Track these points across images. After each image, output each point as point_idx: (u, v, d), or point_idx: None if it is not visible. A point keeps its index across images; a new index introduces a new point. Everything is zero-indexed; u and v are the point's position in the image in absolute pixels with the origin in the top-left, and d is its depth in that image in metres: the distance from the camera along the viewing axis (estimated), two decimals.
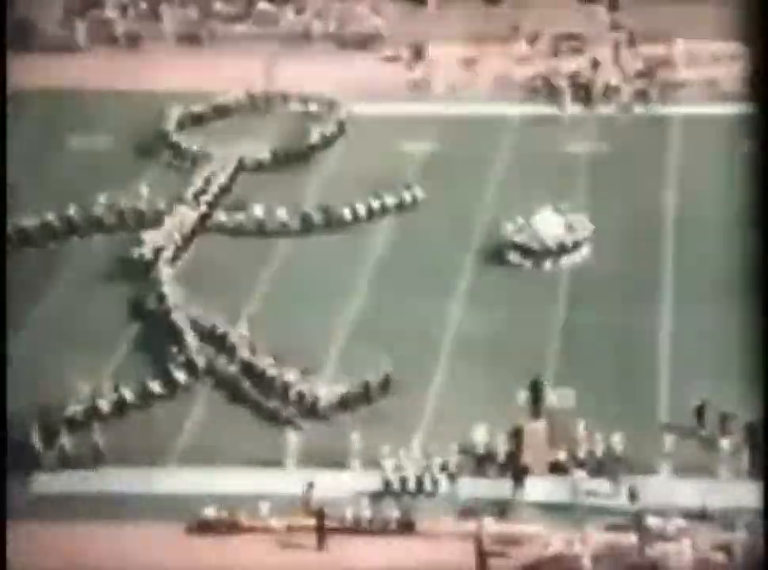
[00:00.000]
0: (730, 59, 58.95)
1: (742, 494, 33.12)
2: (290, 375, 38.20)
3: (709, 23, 61.31)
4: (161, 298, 42.69)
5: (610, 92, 57.11)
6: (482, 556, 31.46)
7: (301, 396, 37.62)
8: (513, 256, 45.28)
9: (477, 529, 32.30)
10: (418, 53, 61.21)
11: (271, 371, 38.52)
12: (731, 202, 47.59)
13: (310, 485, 33.65)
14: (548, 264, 45.06)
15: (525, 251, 45.17)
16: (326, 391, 37.55)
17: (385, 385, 37.94)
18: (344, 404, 37.33)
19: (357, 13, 65.24)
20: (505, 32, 62.09)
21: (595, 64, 59.19)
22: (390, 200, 48.97)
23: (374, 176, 50.74)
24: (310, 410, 37.20)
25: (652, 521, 31.99)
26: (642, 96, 56.87)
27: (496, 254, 45.71)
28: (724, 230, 46.25)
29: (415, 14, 65.48)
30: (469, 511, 33.36)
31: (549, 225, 45.67)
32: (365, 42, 62.93)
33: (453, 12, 65.35)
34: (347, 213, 48.23)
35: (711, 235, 46.10)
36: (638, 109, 56.19)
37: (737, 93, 56.69)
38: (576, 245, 45.40)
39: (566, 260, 45.12)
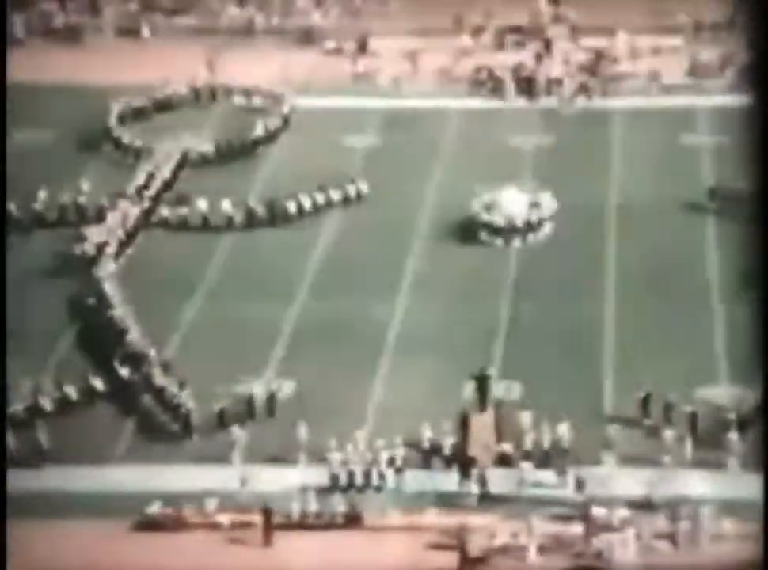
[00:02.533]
0: (671, 52, 59.53)
1: (686, 483, 33.45)
2: (173, 387, 37.01)
3: (651, 16, 61.87)
4: (104, 294, 42.29)
5: (553, 85, 57.37)
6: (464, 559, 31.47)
7: (177, 408, 36.59)
8: (482, 235, 45.87)
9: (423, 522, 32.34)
10: (362, 46, 61.17)
11: (160, 380, 37.47)
12: (673, 193, 48.19)
13: (253, 481, 33.47)
14: (517, 242, 45.70)
15: (493, 229, 45.63)
16: (200, 406, 36.25)
17: (271, 402, 36.93)
18: (222, 420, 36.17)
19: (300, 7, 65.07)
20: (449, 26, 62.20)
21: (538, 57, 59.45)
22: (335, 194, 48.85)
23: (319, 169, 50.64)
24: (185, 424, 36.11)
25: (598, 511, 32.14)
26: (585, 89, 57.16)
27: (443, 243, 45.79)
28: (666, 221, 46.70)
29: (358, 7, 65.41)
30: (416, 503, 33.33)
31: (514, 203, 46.18)
32: (308, 35, 62.80)
33: (396, 5, 65.38)
34: (292, 207, 48.06)
35: (653, 226, 46.46)
36: (581, 102, 56.47)
37: (678, 86, 57.28)
38: (542, 222, 45.99)
39: (532, 238, 45.67)
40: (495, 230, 46.10)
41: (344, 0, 65.82)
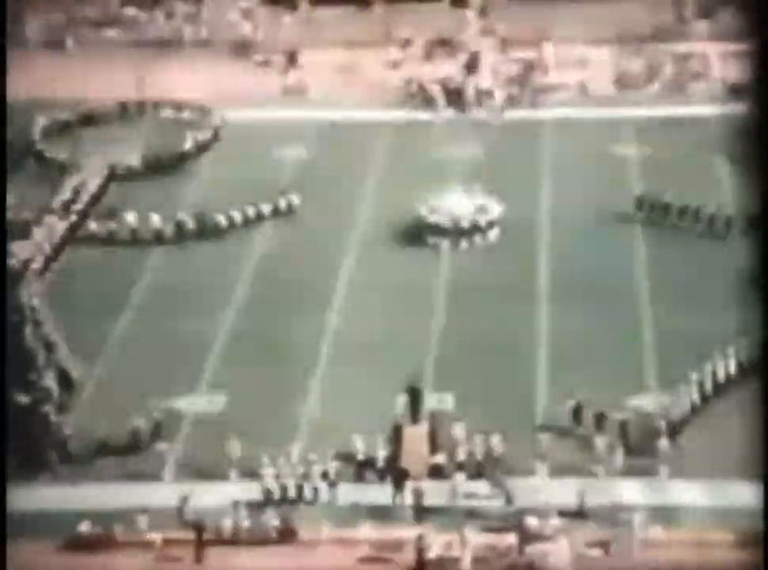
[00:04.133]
0: (599, 63, 60.10)
1: (617, 491, 33.63)
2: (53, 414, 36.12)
3: (578, 27, 62.41)
4: (31, 309, 41.70)
5: (482, 96, 57.64)
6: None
7: (54, 434, 35.63)
8: (428, 238, 46.28)
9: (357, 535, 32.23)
10: (291, 59, 61.10)
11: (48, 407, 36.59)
12: (601, 202, 48.56)
13: (185, 498, 33.16)
14: (464, 244, 46.15)
15: (439, 231, 46.05)
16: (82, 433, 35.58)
17: (157, 431, 36.18)
18: (102, 450, 35.44)
19: (229, 19, 64.82)
20: (378, 38, 62.31)
21: (467, 69, 59.71)
22: (266, 207, 48.68)
23: (250, 182, 50.46)
24: (63, 451, 35.28)
25: (531, 521, 32.23)
26: (514, 100, 57.50)
27: (375, 254, 45.85)
28: (595, 230, 47.04)
29: (287, 20, 65.31)
30: (350, 516, 33.21)
31: (460, 205, 46.74)
32: (237, 48, 62.56)
33: (325, 18, 65.37)
34: (222, 220, 47.81)
35: (583, 236, 46.78)
36: (510, 113, 56.78)
37: (606, 97, 57.82)
38: (490, 225, 46.48)
39: (480, 240, 46.18)
40: (441, 233, 46.40)
41: (274, 13, 65.71)
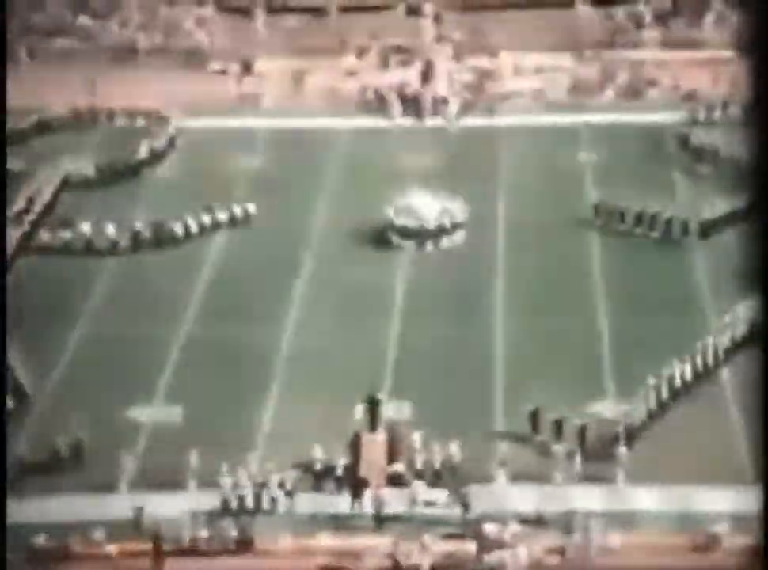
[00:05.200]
0: (554, 70, 60.34)
1: (576, 497, 33.66)
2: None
3: (534, 35, 62.64)
4: None
5: (438, 104, 57.69)
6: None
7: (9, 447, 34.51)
8: (396, 239, 46.42)
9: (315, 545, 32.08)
10: (246, 67, 60.93)
11: None
12: (558, 209, 48.70)
13: (140, 509, 32.87)
14: (429, 246, 46.37)
15: (406, 233, 46.40)
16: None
17: (77, 450, 35.42)
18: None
19: (183, 27, 64.54)
20: (333, 46, 62.26)
21: (423, 77, 59.77)
22: (222, 215, 48.44)
23: (206, 190, 50.23)
24: (17, 464, 33.94)
25: (489, 528, 32.19)
26: (470, 107, 57.60)
27: (333, 262, 45.74)
28: (552, 237, 47.16)
29: (242, 28, 65.13)
30: (308, 526, 33.04)
31: (427, 207, 46.96)
32: (192, 56, 62.31)
33: (281, 25, 65.25)
34: (178, 229, 47.54)
35: (540, 242, 46.88)
36: (467, 121, 56.87)
37: (561, 104, 58.06)
38: (455, 227, 46.76)
39: (446, 242, 46.53)
40: (406, 235, 46.67)
41: (229, 21, 65.52)
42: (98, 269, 45.74)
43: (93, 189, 50.74)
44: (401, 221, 47.05)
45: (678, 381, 37.46)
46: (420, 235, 46.82)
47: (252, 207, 49.08)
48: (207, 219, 48.15)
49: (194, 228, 47.80)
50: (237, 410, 37.52)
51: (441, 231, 47.06)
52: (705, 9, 64.41)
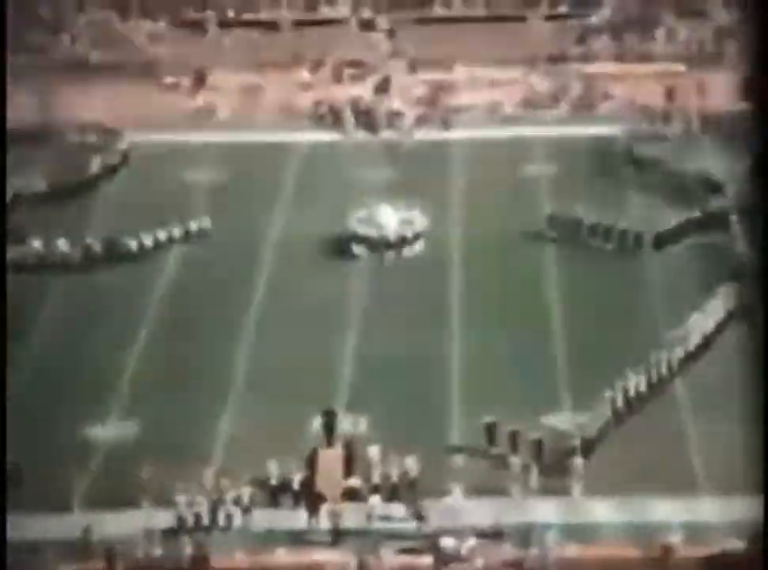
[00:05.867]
0: (508, 83, 60.58)
1: (532, 510, 33.68)
2: None
3: (487, 48, 62.89)
4: None
5: (393, 118, 57.75)
6: None
7: None
8: (357, 249, 46.74)
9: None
10: (200, 81, 60.73)
11: None
12: (513, 222, 48.84)
13: (88, 528, 32.53)
14: (390, 256, 46.74)
15: (367, 243, 46.74)
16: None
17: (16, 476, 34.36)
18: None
19: (136, 41, 64.25)
20: (287, 59, 62.20)
21: (378, 90, 59.82)
22: (177, 230, 48.21)
23: (160, 205, 49.99)
24: None
25: (446, 542, 32.15)
26: (425, 121, 57.70)
27: (289, 275, 45.59)
28: (507, 250, 47.28)
29: (195, 42, 64.93)
30: (264, 542, 32.86)
31: (387, 219, 47.28)
32: (145, 70, 61.98)
33: (234, 39, 65.14)
34: (132, 244, 47.25)
35: (495, 255, 46.99)
36: (421, 134, 56.95)
37: (515, 117, 58.28)
38: (416, 237, 47.04)
39: (407, 251, 46.83)
40: (368, 244, 46.93)
41: (181, 34, 65.30)
42: (50, 285, 45.34)
43: (44, 205, 50.32)
44: (362, 231, 47.17)
45: (632, 393, 37.61)
46: (381, 245, 46.87)
47: (207, 222, 48.87)
48: (161, 234, 47.89)
49: (148, 243, 47.51)
50: (193, 426, 37.31)
51: (402, 241, 47.16)
52: (656, 23, 64.93)
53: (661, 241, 46.74)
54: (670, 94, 57.96)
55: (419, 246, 47.52)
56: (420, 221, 47.79)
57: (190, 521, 33.54)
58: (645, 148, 53.64)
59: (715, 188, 49.37)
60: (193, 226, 48.61)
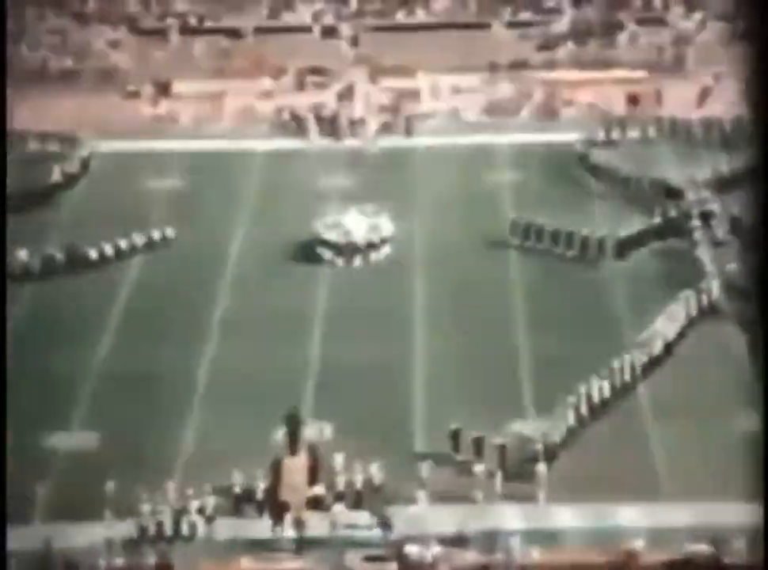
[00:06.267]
0: (470, 91, 60.71)
1: (497, 516, 33.68)
2: None
3: (449, 56, 63.05)
4: None
5: (356, 125, 57.72)
6: None
7: None
8: (325, 253, 46.83)
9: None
10: (162, 89, 60.47)
11: None
12: (476, 228, 48.91)
13: (48, 540, 32.24)
14: (358, 261, 46.68)
15: (334, 248, 46.75)
16: None
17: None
18: None
19: (95, 49, 63.94)
20: (249, 68, 62.06)
21: (341, 98, 59.79)
22: (139, 239, 47.95)
23: (122, 214, 49.71)
24: None
25: (411, 549, 32.10)
26: (387, 128, 57.70)
27: (252, 283, 45.39)
28: (471, 257, 47.33)
29: (157, 49, 64.68)
30: (228, 551, 32.68)
31: (354, 224, 47.32)
32: (105, 78, 61.69)
33: (196, 47, 64.94)
34: (93, 253, 46.96)
35: (459, 262, 47.02)
36: (384, 141, 56.95)
37: (478, 124, 58.39)
38: (382, 242, 47.18)
39: (374, 257, 46.86)
40: (335, 249, 46.88)
41: (143, 42, 65.07)
42: (11, 295, 44.88)
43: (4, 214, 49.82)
44: (329, 236, 47.17)
45: (596, 399, 37.69)
46: (348, 251, 46.87)
47: (170, 230, 48.65)
48: (123, 243, 47.62)
49: (110, 252, 47.24)
50: (156, 435, 37.09)
51: (369, 247, 47.18)
52: (618, 29, 65.28)
53: (623, 247, 46.93)
54: (631, 100, 58.27)
55: (385, 252, 47.51)
56: (386, 226, 47.82)
57: (152, 531, 33.31)
58: (603, 154, 53.83)
59: (674, 193, 49.64)
60: (156, 234, 48.36)
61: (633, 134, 55.76)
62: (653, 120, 56.11)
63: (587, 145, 54.25)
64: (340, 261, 46.97)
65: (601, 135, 55.46)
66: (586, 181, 52.59)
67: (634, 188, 50.93)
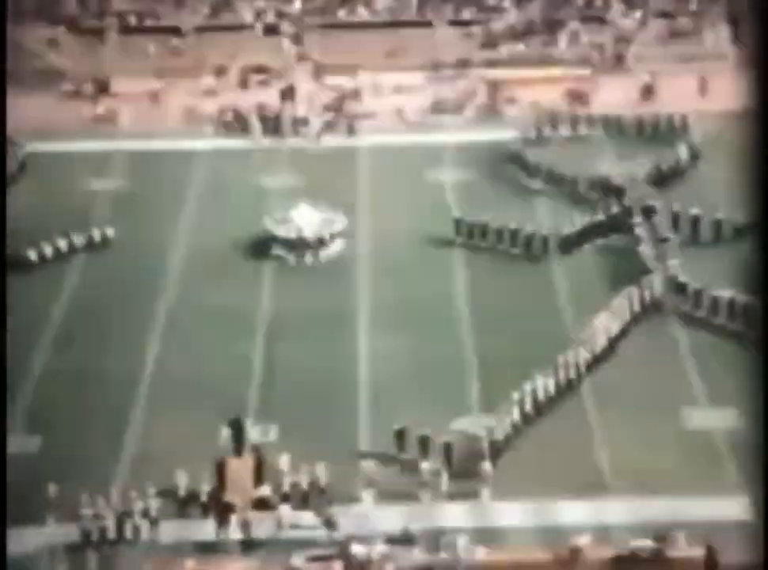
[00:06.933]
0: (413, 89, 60.66)
1: (442, 515, 33.64)
2: None
3: (392, 55, 62.97)
4: None
5: (299, 124, 57.48)
6: None
7: None
8: (276, 249, 46.67)
9: None
10: (101, 88, 59.85)
11: None
12: (421, 227, 48.86)
13: None
14: (309, 257, 46.52)
15: (287, 244, 46.65)
16: None
17: None
18: None
19: (32, 48, 63.14)
20: (191, 66, 61.61)
21: (284, 97, 59.51)
22: (79, 239, 47.44)
23: (61, 215, 49.13)
24: None
25: (357, 548, 32.02)
26: (331, 127, 57.52)
27: (195, 284, 45.10)
28: (416, 255, 47.27)
29: (96, 48, 64.01)
30: (173, 554, 32.39)
31: (306, 219, 47.05)
32: (43, 78, 60.94)
33: (136, 46, 64.33)
34: (32, 255, 46.39)
35: (403, 260, 46.96)
36: (328, 140, 56.76)
37: (421, 123, 58.34)
38: (333, 238, 46.94)
39: (324, 253, 46.66)
40: (287, 246, 46.68)
41: (81, 41, 64.35)
42: None
43: None
44: (280, 232, 47.00)
45: (541, 396, 37.78)
46: (300, 246, 46.69)
47: (110, 231, 48.18)
48: (62, 244, 47.09)
49: (49, 253, 46.69)
50: (98, 438, 36.69)
51: (320, 242, 47.00)
52: (559, 28, 65.53)
53: (566, 244, 47.10)
54: (573, 98, 58.49)
55: (337, 248, 47.35)
56: (339, 220, 47.66)
57: (96, 535, 32.94)
58: (542, 152, 53.86)
59: (616, 190, 49.89)
60: (96, 234, 47.88)
61: (574, 131, 55.96)
62: (594, 118, 56.37)
63: (521, 143, 54.24)
64: (291, 257, 46.73)
65: (541, 133, 55.59)
66: (527, 179, 52.67)
67: (575, 185, 51.08)
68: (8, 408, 37.96)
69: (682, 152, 52.58)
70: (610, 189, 50.15)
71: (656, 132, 55.23)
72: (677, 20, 65.60)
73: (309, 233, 47.07)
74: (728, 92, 58.15)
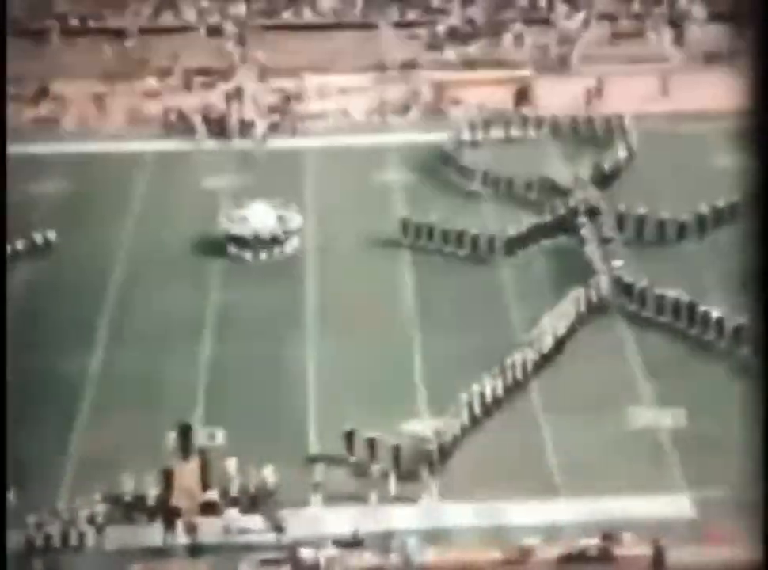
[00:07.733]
0: (358, 91, 60.58)
1: (392, 517, 33.56)
2: None
3: (337, 57, 62.88)
4: None
5: (245, 126, 57.19)
6: None
7: None
8: (229, 248, 46.63)
9: None
10: (43, 90, 59.21)
11: None
12: (367, 228, 48.78)
13: None
14: (264, 255, 46.37)
15: (241, 242, 46.58)
16: None
17: None
18: None
19: None
20: (134, 68, 61.13)
21: (229, 98, 59.20)
22: (20, 244, 46.84)
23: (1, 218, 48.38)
24: None
25: (305, 552, 31.86)
26: (276, 129, 57.29)
27: (140, 288, 44.82)
28: (362, 257, 47.17)
29: (38, 50, 63.31)
30: (119, 560, 32.03)
31: (261, 216, 47.01)
32: None
33: (78, 48, 63.73)
34: None
35: (350, 262, 46.85)
36: (273, 142, 56.52)
37: (366, 124, 58.28)
38: (288, 235, 46.98)
39: (279, 251, 46.73)
40: (242, 243, 46.59)
41: (23, 43, 63.60)
42: None
43: None
44: (234, 230, 46.83)
45: (489, 397, 37.79)
46: (254, 244, 46.50)
47: (52, 235, 47.61)
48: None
49: None
50: (42, 443, 36.20)
51: (274, 241, 46.90)
52: (503, 30, 65.73)
53: (513, 245, 47.18)
54: (517, 99, 58.68)
55: (293, 245, 47.09)
56: (294, 218, 47.59)
57: (40, 543, 32.49)
58: (477, 154, 53.80)
59: (561, 191, 50.05)
60: (38, 238, 47.30)
61: (522, 133, 56.10)
62: (538, 119, 56.55)
63: (455, 145, 54.18)
64: (247, 255, 46.40)
65: (477, 135, 55.58)
66: (462, 181, 52.45)
67: (511, 187, 51.06)
68: None
69: (621, 153, 52.93)
70: (555, 190, 50.31)
71: (597, 133, 55.48)
72: (620, 23, 66.07)
73: (264, 231, 46.86)
74: (674, 93, 58.71)
